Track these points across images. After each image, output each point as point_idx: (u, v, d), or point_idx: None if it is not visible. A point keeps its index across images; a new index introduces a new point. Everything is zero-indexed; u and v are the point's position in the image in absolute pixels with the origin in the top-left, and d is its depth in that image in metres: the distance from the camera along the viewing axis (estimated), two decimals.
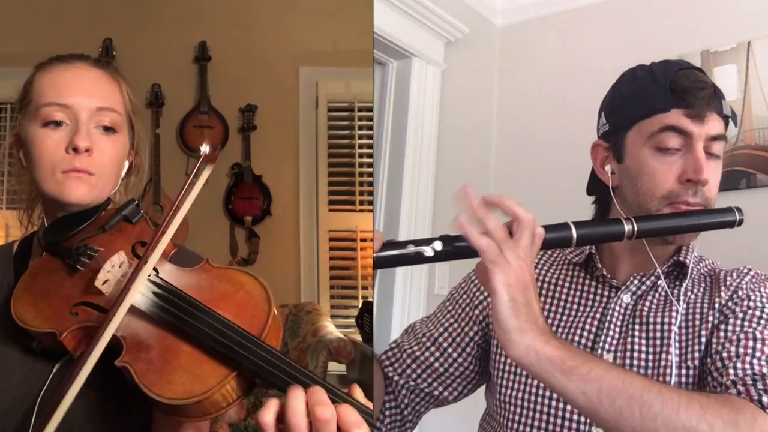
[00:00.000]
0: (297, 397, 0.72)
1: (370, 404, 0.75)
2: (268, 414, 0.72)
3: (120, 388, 0.82)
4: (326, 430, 0.70)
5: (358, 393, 0.76)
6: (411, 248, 0.87)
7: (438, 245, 0.87)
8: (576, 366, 0.80)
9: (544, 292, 1.13)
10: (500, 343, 0.84)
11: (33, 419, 0.85)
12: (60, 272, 0.89)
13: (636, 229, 0.95)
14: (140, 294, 0.82)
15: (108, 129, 0.96)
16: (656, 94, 1.01)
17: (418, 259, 0.87)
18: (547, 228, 0.90)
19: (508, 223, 0.88)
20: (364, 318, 2.87)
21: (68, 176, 0.92)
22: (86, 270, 0.87)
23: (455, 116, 2.81)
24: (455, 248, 0.87)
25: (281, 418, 0.72)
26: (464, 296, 1.19)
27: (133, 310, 0.82)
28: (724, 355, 0.93)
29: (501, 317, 0.82)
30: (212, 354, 0.78)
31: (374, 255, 0.87)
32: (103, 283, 0.84)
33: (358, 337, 2.99)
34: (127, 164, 1.02)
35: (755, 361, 0.90)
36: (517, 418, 1.06)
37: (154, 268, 0.86)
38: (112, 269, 0.85)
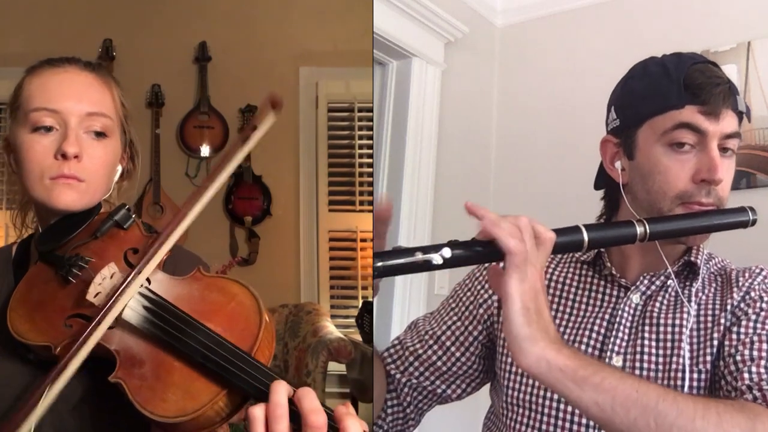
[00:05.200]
0: (280, 391, 0.72)
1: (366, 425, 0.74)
2: (258, 408, 0.72)
3: (116, 401, 0.81)
4: None
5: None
6: (419, 256, 0.83)
7: (447, 252, 0.84)
8: (588, 376, 0.79)
9: (551, 291, 1.11)
10: (511, 352, 0.82)
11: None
12: (53, 283, 0.88)
13: (648, 231, 0.93)
14: (131, 309, 0.81)
15: (99, 134, 0.94)
16: (669, 89, 0.98)
17: (424, 267, 0.84)
18: (558, 232, 0.88)
19: None
20: (364, 318, 2.86)
21: (56, 183, 0.91)
22: (78, 281, 0.86)
23: (455, 116, 2.81)
24: (465, 255, 0.85)
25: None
26: (468, 294, 1.17)
27: (125, 325, 0.81)
28: (738, 358, 0.91)
29: (513, 325, 0.80)
30: (203, 371, 0.77)
31: (380, 264, 0.83)
32: (95, 296, 0.83)
33: (359, 337, 2.99)
34: (120, 169, 1.01)
35: None
36: (525, 420, 1.05)
37: (147, 278, 0.85)
38: (103, 282, 0.84)
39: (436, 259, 0.84)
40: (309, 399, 0.72)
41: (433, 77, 2.71)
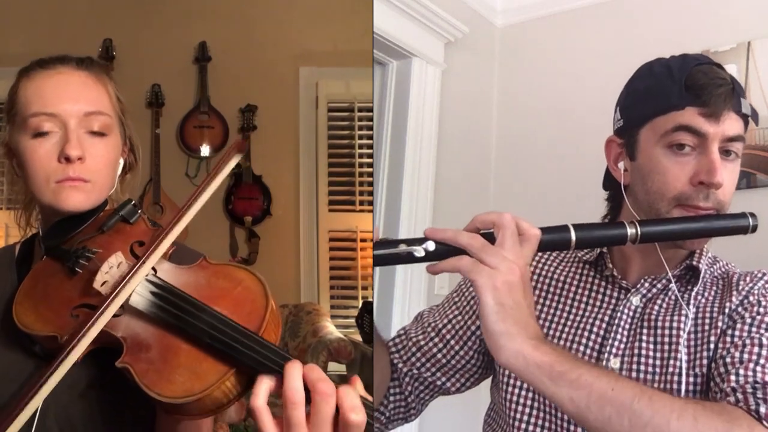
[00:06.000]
0: (295, 375, 0.73)
1: (371, 398, 0.75)
2: (258, 399, 0.73)
3: (122, 389, 0.82)
4: (326, 404, 0.71)
5: (359, 385, 0.77)
6: (402, 248, 0.85)
7: (431, 245, 0.85)
8: (564, 372, 0.79)
9: (552, 289, 1.12)
10: (489, 348, 0.82)
11: (35, 422, 0.85)
12: (60, 275, 0.89)
13: (639, 233, 0.91)
14: (138, 294, 0.82)
15: (99, 133, 0.95)
16: (671, 90, 0.97)
17: (408, 259, 0.86)
18: (546, 230, 0.88)
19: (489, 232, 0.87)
20: (364, 318, 2.86)
21: (63, 186, 0.92)
22: (85, 272, 0.87)
23: (455, 116, 2.81)
24: (448, 248, 0.85)
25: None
26: (471, 289, 1.17)
27: (132, 311, 0.82)
28: (728, 360, 0.90)
29: (487, 322, 0.81)
30: (211, 351, 0.78)
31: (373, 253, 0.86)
32: (102, 285, 0.84)
33: (358, 338, 2.99)
34: (121, 162, 1.02)
35: (758, 368, 0.87)
36: (525, 418, 1.05)
37: (153, 268, 0.86)
38: (110, 270, 0.85)
39: (419, 251, 0.85)
40: (315, 371, 0.74)
41: (433, 77, 2.71)
